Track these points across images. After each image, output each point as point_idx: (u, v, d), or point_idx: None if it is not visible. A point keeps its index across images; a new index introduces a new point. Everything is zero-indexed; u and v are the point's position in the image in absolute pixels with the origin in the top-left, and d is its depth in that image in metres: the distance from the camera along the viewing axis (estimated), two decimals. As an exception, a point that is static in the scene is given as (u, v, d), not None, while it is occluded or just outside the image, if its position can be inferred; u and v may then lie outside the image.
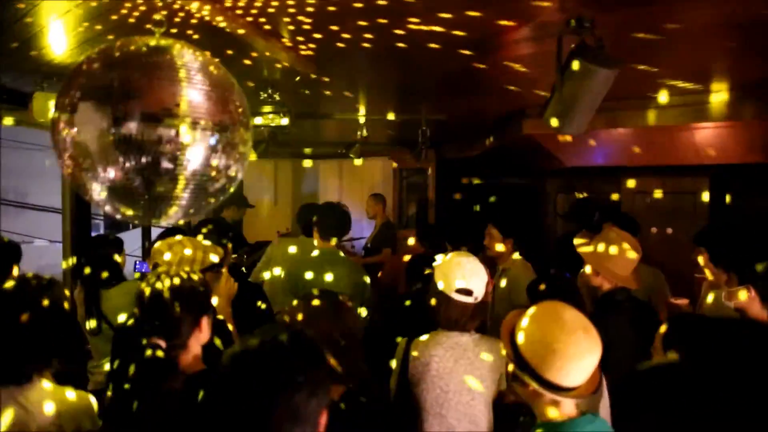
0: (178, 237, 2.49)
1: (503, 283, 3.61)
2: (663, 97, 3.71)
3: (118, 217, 1.59)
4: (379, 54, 2.86)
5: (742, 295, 2.37)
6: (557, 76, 2.22)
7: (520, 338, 1.69)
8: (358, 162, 6.30)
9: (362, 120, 4.88)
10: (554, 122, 2.27)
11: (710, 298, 2.99)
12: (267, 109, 3.36)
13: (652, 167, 5.06)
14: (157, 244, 2.48)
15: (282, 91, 3.49)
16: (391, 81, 3.57)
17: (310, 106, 4.52)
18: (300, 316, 1.83)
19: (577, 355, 1.61)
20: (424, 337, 2.41)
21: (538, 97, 3.49)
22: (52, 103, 3.42)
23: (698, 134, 4.20)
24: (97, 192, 1.53)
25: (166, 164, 1.52)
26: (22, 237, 10.09)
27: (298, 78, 3.14)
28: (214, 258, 2.47)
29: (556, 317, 1.66)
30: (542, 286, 2.73)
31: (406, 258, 3.56)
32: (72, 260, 4.40)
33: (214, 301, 2.09)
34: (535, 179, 6.75)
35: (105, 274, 3.14)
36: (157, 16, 1.60)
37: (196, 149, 1.56)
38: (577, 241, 2.98)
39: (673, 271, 3.97)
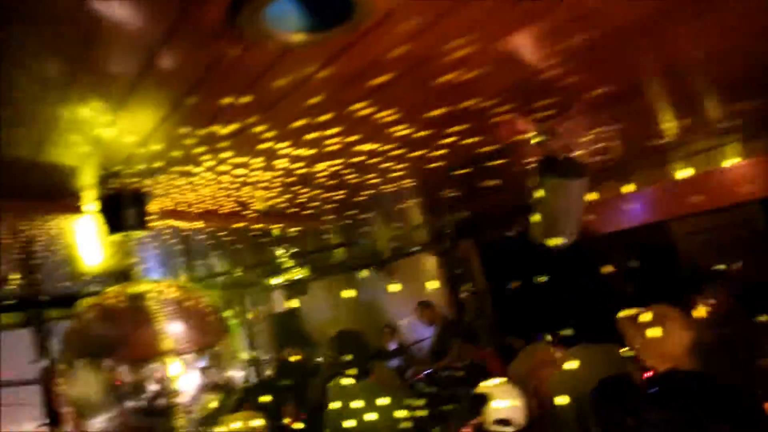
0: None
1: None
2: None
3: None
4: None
5: None
6: (532, 194, 2.21)
7: None
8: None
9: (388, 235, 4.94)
10: (543, 239, 2.24)
11: None
12: (286, 264, 3.49)
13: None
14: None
15: (296, 242, 3.60)
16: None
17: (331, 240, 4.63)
18: None
19: None
20: None
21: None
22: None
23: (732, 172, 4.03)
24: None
25: (161, 400, 1.61)
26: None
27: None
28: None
29: None
30: None
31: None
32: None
33: None
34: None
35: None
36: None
37: (186, 377, 1.65)
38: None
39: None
